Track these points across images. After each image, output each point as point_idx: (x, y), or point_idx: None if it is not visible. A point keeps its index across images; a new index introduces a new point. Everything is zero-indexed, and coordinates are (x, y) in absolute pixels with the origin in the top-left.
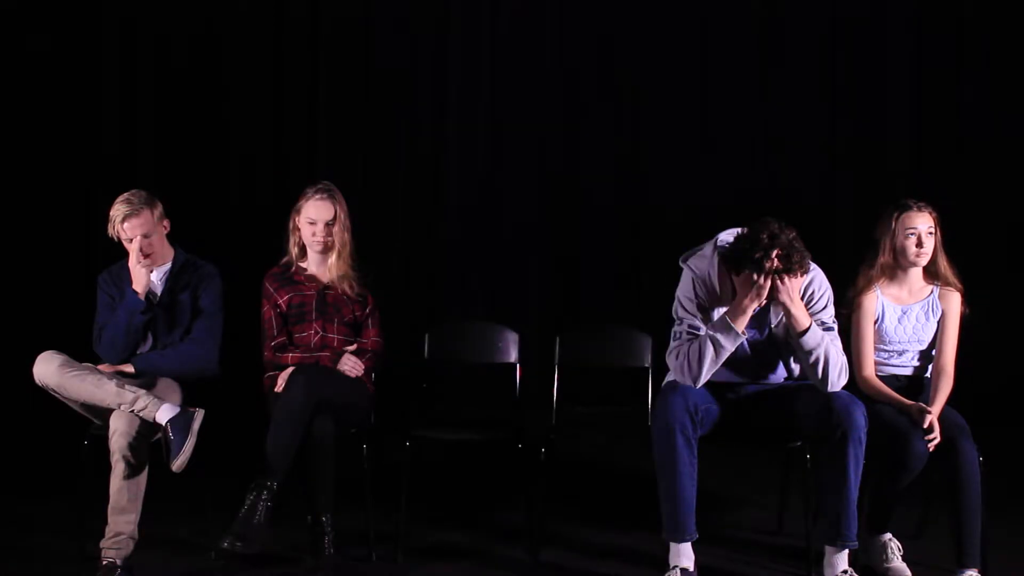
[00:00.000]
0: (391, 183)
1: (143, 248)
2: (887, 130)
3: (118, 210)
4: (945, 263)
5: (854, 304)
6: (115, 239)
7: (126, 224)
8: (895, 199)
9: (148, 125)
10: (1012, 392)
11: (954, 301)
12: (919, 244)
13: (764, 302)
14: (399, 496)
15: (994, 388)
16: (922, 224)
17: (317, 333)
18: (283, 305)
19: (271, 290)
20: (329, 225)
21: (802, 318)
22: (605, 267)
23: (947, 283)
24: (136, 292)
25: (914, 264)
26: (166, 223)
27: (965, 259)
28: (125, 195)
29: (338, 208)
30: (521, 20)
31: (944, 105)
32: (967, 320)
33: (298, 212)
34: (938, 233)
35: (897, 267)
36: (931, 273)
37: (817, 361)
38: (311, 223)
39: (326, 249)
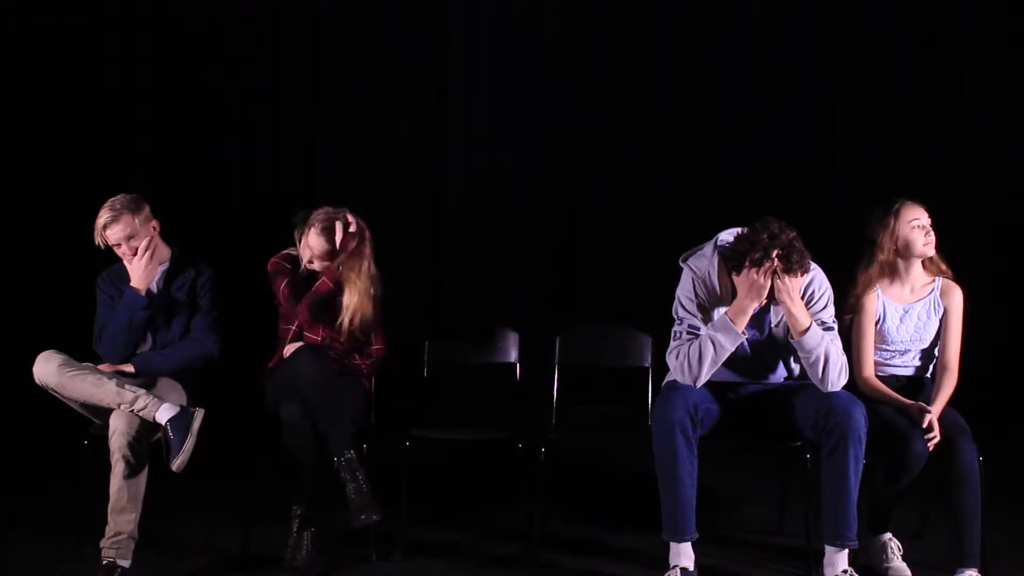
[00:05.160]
0: (391, 183)
1: (129, 251)
2: (887, 129)
3: (100, 218)
4: (940, 261)
5: (856, 306)
6: (102, 246)
7: (108, 231)
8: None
9: (148, 124)
10: (1012, 392)
11: (956, 298)
12: (926, 234)
13: (764, 302)
14: (399, 496)
15: (994, 388)
16: (923, 216)
17: (294, 328)
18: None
19: (285, 266)
20: (332, 257)
21: (802, 318)
22: (605, 267)
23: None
24: (136, 289)
25: (923, 254)
26: (155, 224)
27: (965, 259)
28: (108, 201)
29: (339, 240)
30: (522, 20)
31: (944, 105)
32: (966, 320)
33: (306, 233)
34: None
35: (899, 264)
36: (928, 269)
37: (817, 361)
38: (309, 262)
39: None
